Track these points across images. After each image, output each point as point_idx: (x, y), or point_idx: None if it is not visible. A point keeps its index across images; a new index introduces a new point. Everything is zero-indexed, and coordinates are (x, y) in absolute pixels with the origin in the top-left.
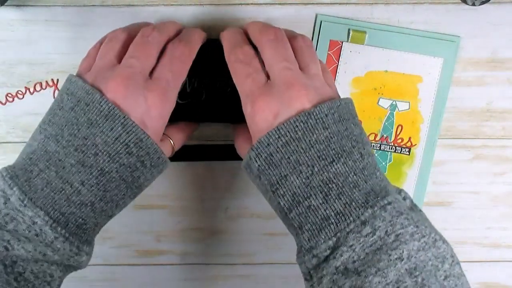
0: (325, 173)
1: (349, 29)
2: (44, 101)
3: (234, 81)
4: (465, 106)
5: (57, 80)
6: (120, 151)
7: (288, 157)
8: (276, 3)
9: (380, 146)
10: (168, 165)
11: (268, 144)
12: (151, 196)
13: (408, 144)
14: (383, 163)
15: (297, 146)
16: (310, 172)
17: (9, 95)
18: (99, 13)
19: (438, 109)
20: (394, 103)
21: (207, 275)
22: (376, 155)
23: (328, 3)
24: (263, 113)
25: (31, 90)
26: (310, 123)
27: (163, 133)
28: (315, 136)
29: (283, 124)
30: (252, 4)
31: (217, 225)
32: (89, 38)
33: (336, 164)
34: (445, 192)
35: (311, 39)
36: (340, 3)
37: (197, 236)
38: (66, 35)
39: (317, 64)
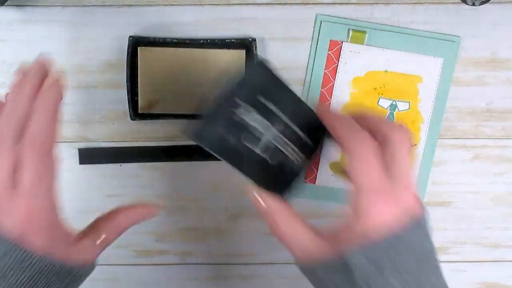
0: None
1: (349, 29)
2: None
3: (354, 166)
4: (465, 106)
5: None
6: (5, 271)
7: (394, 264)
8: (276, 3)
9: None
10: (90, 270)
11: (384, 250)
12: (151, 196)
13: None
14: None
15: (406, 253)
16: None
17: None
18: (99, 13)
19: (438, 109)
20: (394, 103)
21: (207, 275)
22: None
23: (328, 3)
24: (382, 216)
25: None
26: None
27: (87, 236)
28: (404, 259)
29: (405, 231)
30: (252, 4)
31: (217, 225)
32: (89, 38)
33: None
34: (445, 192)
35: (311, 39)
36: (340, 3)
37: (197, 236)
38: (66, 35)
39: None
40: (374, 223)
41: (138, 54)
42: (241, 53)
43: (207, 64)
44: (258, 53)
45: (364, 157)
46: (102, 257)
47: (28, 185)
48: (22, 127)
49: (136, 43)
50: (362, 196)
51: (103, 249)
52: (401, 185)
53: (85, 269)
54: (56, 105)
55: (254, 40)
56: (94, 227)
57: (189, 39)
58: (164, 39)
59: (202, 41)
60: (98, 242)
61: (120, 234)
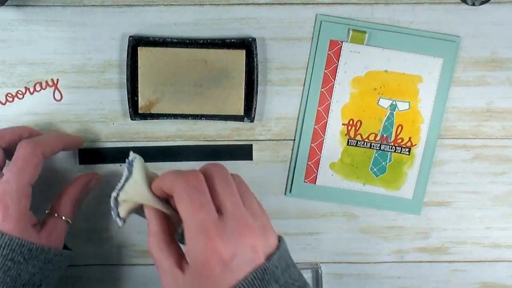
0: None
1: (349, 29)
2: (44, 101)
3: (181, 208)
4: (465, 106)
5: (57, 80)
6: None
7: None
8: (276, 3)
9: (380, 146)
10: (67, 255)
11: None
12: None
13: (408, 144)
14: (383, 163)
15: None
16: None
17: (9, 95)
18: (99, 13)
19: (438, 109)
20: (394, 103)
21: None
22: (376, 155)
23: (328, 3)
24: (219, 255)
25: (31, 90)
26: (266, 279)
27: (53, 214)
28: None
29: (242, 282)
30: (252, 4)
31: None
32: (89, 38)
33: None
34: (445, 192)
35: (311, 39)
36: (340, 3)
37: None
38: (66, 35)
39: (254, 198)
40: (209, 264)
41: (138, 54)
42: (241, 53)
43: (207, 64)
44: (258, 53)
45: (189, 196)
46: (102, 257)
47: (8, 177)
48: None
49: (136, 43)
50: (191, 236)
51: (67, 227)
52: (232, 222)
53: (57, 249)
54: (61, 140)
55: (254, 40)
56: (53, 208)
57: (189, 39)
58: (164, 39)
59: (202, 41)
60: (65, 218)
61: (76, 207)
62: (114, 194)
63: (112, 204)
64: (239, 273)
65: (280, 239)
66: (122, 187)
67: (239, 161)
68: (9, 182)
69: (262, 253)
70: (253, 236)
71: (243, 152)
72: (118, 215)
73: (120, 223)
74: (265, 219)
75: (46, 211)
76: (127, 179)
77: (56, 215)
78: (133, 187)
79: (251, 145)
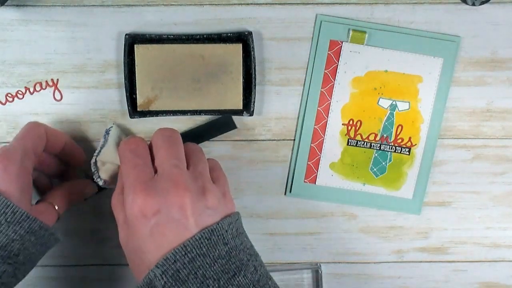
0: (230, 286)
1: (349, 29)
2: (44, 101)
3: (121, 169)
4: (465, 106)
5: (57, 80)
6: None
7: (195, 273)
8: (276, 3)
9: (380, 146)
10: (52, 233)
11: (175, 261)
12: None
13: (408, 144)
14: (383, 163)
15: (203, 261)
16: (216, 285)
17: (9, 95)
18: (99, 13)
19: (438, 109)
20: (394, 103)
21: None
22: (376, 155)
23: (328, 3)
24: (143, 210)
25: (31, 90)
26: (213, 239)
27: (46, 200)
28: (217, 251)
29: (189, 240)
30: (252, 4)
31: None
32: (89, 38)
33: (238, 277)
34: (445, 192)
35: (311, 39)
36: (340, 3)
37: None
38: (66, 35)
39: (205, 164)
40: (134, 216)
41: (135, 51)
42: (238, 47)
43: (204, 59)
44: (255, 47)
45: (125, 158)
46: (102, 257)
47: (13, 143)
48: None
49: (132, 41)
50: (125, 192)
51: (56, 217)
52: (165, 180)
53: (43, 222)
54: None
55: (250, 33)
56: (46, 196)
57: (185, 35)
58: (160, 35)
59: (198, 36)
60: (57, 208)
61: (68, 202)
62: (93, 160)
63: (92, 169)
64: (166, 230)
65: (236, 213)
66: (99, 153)
67: (238, 161)
68: (12, 145)
69: (192, 214)
70: (182, 195)
71: (224, 124)
72: (99, 177)
73: (101, 182)
74: (210, 184)
75: (37, 199)
76: (103, 145)
77: (49, 202)
78: (107, 152)
79: (230, 115)
